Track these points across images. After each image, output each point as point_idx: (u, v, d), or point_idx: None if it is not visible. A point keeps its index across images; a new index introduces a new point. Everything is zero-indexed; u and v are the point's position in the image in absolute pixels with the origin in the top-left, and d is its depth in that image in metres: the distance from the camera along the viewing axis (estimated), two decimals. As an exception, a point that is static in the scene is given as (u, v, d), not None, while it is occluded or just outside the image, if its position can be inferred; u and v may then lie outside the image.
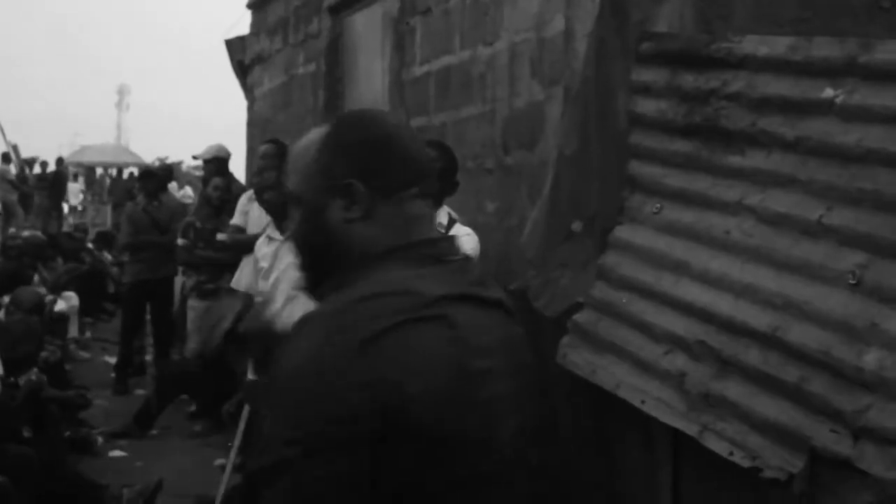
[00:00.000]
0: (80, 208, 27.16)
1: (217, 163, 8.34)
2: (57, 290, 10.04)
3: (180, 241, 7.77)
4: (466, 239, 4.04)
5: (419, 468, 1.39)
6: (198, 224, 7.68)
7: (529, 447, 1.61)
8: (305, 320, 1.49)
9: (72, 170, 27.63)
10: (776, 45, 3.05)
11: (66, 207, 25.44)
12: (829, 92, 2.83)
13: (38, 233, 12.30)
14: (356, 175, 1.57)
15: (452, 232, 4.28)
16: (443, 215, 4.41)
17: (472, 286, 1.61)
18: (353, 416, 1.35)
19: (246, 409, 5.67)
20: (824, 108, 2.84)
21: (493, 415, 1.50)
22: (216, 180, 7.97)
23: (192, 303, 7.68)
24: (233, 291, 6.12)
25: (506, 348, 1.59)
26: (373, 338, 1.39)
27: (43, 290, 9.61)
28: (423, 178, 1.64)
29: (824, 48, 2.88)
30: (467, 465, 1.43)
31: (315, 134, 1.64)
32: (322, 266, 1.62)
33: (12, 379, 5.85)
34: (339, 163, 1.58)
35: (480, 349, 1.51)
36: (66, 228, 17.71)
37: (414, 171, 1.62)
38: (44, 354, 7.37)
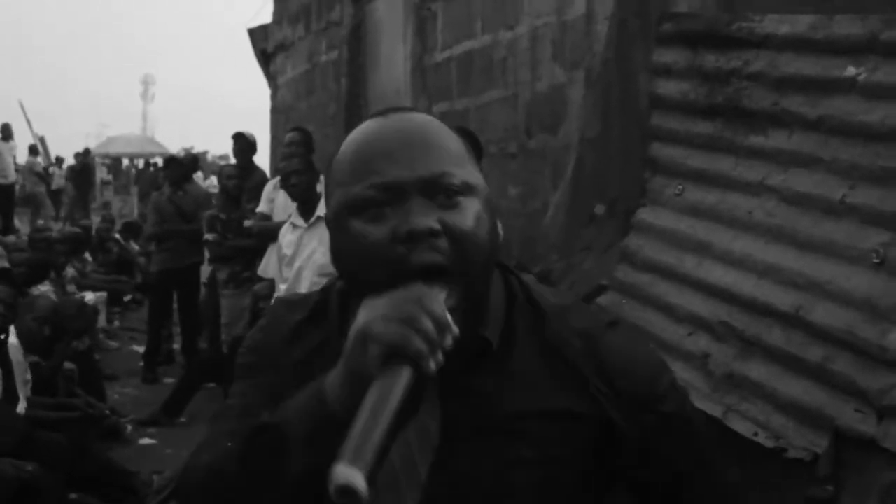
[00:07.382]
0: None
1: (242, 141, 8.22)
2: (85, 288, 10.14)
3: (209, 236, 7.76)
4: None
5: None
6: (222, 216, 7.68)
7: None
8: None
9: (98, 161, 27.79)
10: (797, 24, 3.04)
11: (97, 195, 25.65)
12: (851, 70, 2.82)
13: (75, 228, 12.43)
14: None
15: None
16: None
17: None
18: None
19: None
20: (847, 87, 2.82)
21: None
22: (228, 169, 7.97)
23: (227, 292, 7.69)
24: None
25: None
26: None
27: (73, 286, 9.73)
28: None
29: (846, 26, 2.86)
30: None
31: (425, 118, 1.29)
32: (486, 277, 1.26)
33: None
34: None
35: None
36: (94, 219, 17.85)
37: None
38: (73, 344, 7.43)
